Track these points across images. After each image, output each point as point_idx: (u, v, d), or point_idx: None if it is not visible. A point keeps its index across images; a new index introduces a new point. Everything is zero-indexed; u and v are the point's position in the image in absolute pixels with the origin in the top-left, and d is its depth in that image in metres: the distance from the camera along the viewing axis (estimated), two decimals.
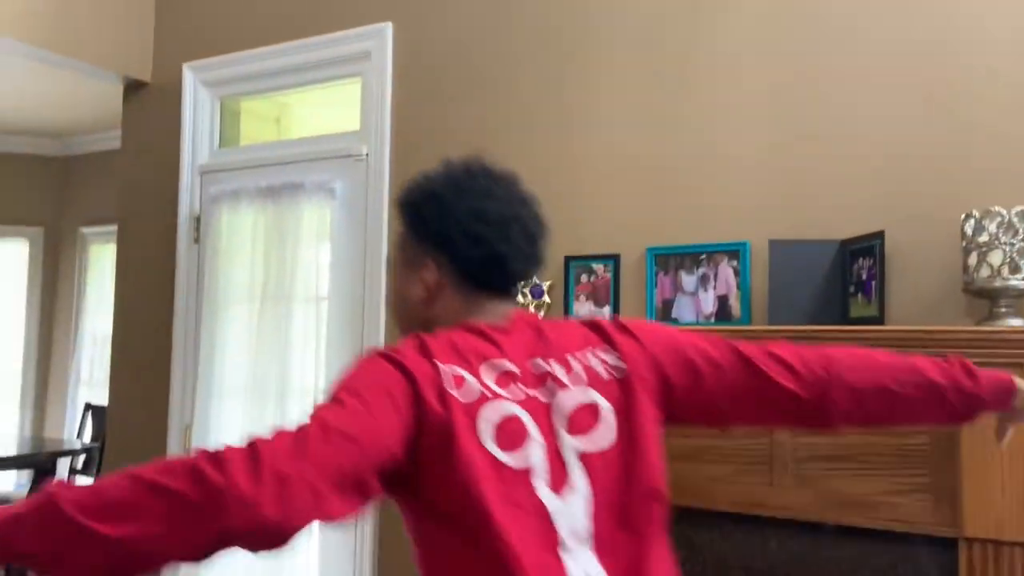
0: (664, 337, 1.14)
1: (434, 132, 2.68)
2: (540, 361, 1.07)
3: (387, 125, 2.76)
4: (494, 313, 1.12)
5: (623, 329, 1.13)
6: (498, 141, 2.54)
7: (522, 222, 1.15)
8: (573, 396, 1.05)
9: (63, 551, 0.82)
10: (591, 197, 2.36)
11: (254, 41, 3.12)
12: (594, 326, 1.14)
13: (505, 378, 1.03)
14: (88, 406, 5.04)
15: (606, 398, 1.05)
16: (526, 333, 1.10)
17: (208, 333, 3.11)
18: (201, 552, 0.84)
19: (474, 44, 2.63)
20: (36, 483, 4.40)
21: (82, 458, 4.88)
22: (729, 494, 1.89)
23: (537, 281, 2.31)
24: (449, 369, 1.00)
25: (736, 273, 2.05)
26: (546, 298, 2.32)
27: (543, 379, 1.06)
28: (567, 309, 2.32)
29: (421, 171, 1.20)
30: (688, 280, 2.11)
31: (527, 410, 1.02)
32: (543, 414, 1.03)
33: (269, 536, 0.84)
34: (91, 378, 5.74)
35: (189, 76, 3.26)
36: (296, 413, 2.80)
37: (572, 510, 0.99)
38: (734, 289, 2.06)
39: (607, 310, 2.24)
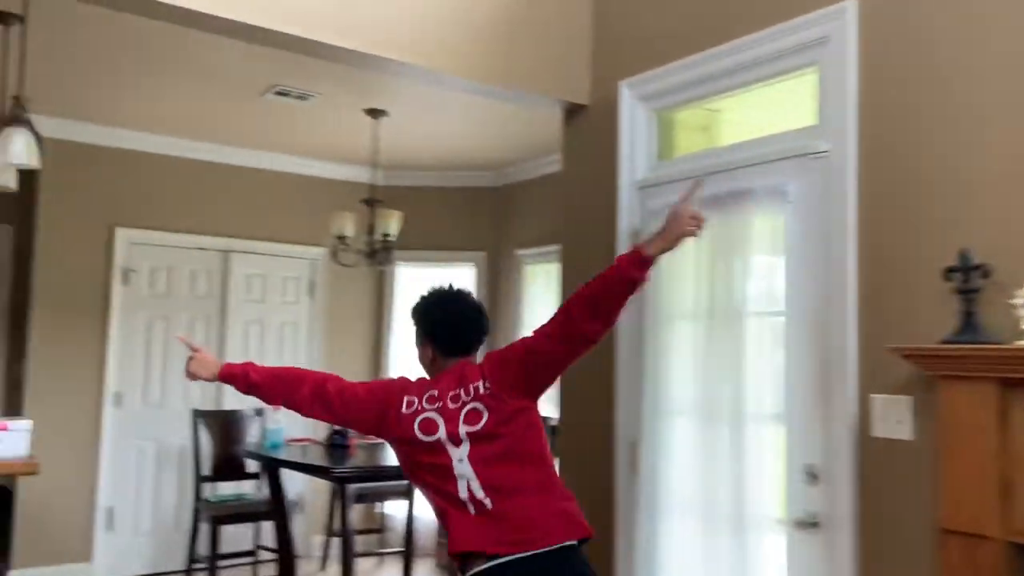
0: (504, 362, 2.30)
1: (909, 121, 2.30)
2: (459, 390, 2.27)
3: (851, 117, 2.44)
4: (451, 364, 2.37)
5: (491, 363, 2.31)
6: (984, 131, 2.09)
7: (469, 320, 2.43)
8: (469, 405, 2.25)
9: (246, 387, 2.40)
10: None
11: (689, 48, 3.02)
12: (479, 366, 2.32)
13: (432, 399, 2.29)
14: None
15: (484, 404, 2.24)
16: (453, 375, 2.31)
17: (652, 349, 3.06)
18: (283, 402, 2.41)
19: (962, 17, 2.21)
20: None
21: None
22: None
23: None
24: (410, 397, 2.30)
25: None
26: None
27: (457, 398, 2.26)
28: None
29: (421, 294, 2.49)
30: None
31: (441, 415, 2.25)
32: (454, 416, 2.24)
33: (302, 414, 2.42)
34: None
35: (625, 93, 3.27)
36: (752, 437, 2.64)
37: (461, 454, 2.21)
38: None
39: None
